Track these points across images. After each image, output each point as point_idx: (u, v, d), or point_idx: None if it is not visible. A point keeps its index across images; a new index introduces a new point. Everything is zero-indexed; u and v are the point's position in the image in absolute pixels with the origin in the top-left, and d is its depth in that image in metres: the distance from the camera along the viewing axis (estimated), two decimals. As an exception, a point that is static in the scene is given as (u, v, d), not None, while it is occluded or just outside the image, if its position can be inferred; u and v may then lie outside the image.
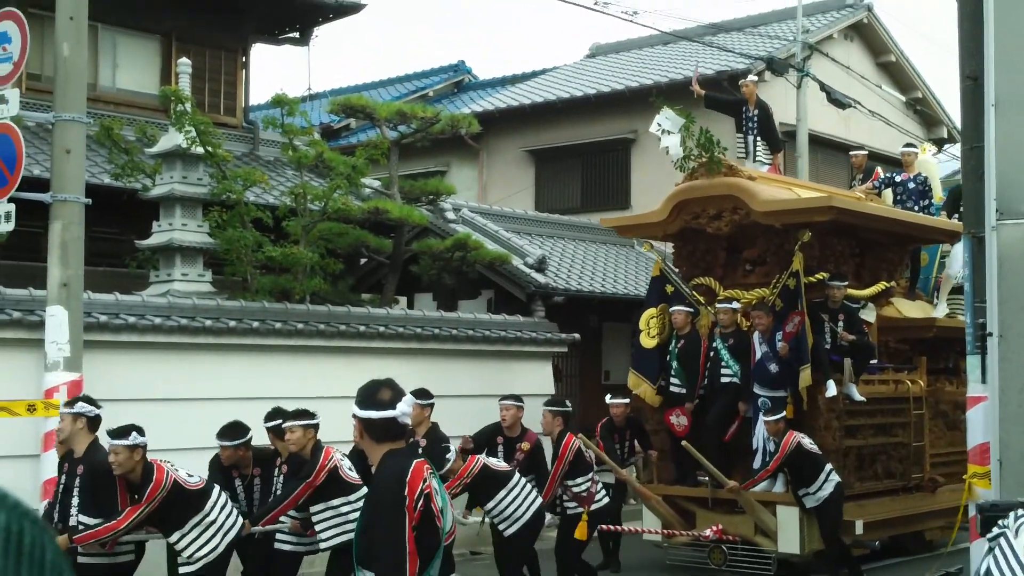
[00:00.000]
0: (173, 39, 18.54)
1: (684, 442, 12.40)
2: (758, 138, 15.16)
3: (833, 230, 13.14)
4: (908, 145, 16.69)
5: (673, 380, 13.13)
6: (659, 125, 13.45)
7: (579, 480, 10.74)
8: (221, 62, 19.20)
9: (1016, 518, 2.59)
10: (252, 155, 18.75)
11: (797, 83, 21.20)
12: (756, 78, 15.61)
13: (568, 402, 11.55)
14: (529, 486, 9.94)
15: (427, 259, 16.67)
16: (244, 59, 19.74)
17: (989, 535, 2.46)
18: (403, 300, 18.58)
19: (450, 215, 18.24)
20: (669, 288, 13.48)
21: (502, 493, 9.69)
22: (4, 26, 10.44)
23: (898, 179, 15.75)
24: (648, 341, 13.40)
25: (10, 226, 10.23)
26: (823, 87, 20.79)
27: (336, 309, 13.61)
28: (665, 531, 12.66)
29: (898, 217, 14.39)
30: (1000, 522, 2.67)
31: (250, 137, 19.15)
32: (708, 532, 12.25)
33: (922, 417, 14.02)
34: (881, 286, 14.06)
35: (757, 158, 15.00)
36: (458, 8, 65.13)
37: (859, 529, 12.35)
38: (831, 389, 12.29)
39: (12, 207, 10.11)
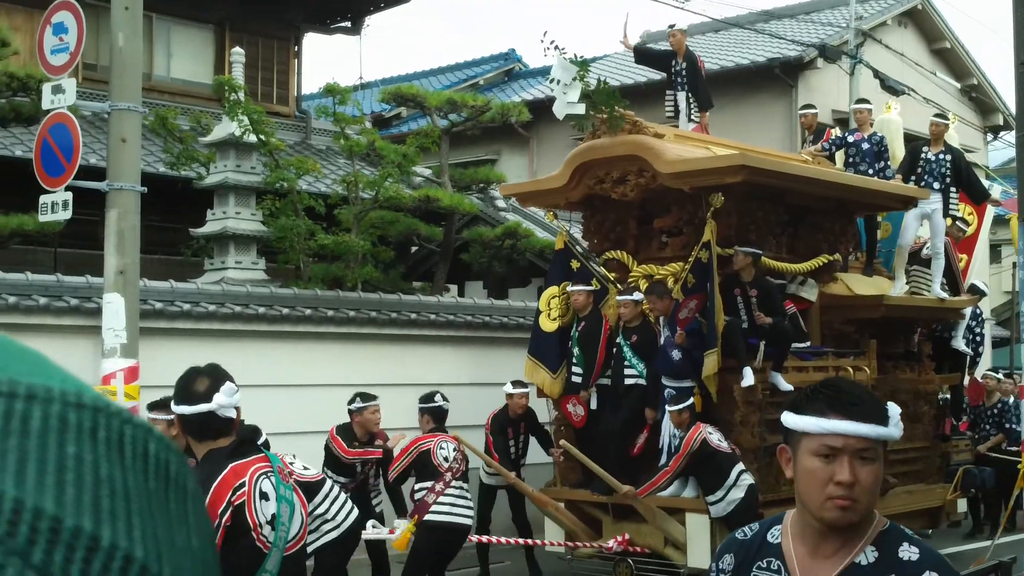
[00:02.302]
0: (226, 29, 18.71)
1: (562, 441, 11.31)
2: (689, 93, 13.63)
3: (754, 194, 11.41)
4: (861, 101, 14.75)
5: (575, 368, 11.61)
6: (552, 77, 11.83)
7: (419, 485, 9.51)
8: (274, 51, 19.35)
9: None
10: (304, 144, 18.89)
11: (850, 70, 21.01)
12: (686, 27, 13.97)
13: (439, 397, 10.09)
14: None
15: (477, 247, 16.73)
16: (296, 48, 19.88)
17: None
18: (454, 288, 18.64)
19: (500, 203, 18.28)
20: (575, 264, 12.04)
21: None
22: (61, 17, 10.58)
23: (851, 139, 13.98)
24: (548, 324, 11.92)
25: (67, 215, 10.37)
26: (876, 74, 20.58)
27: (387, 297, 13.69)
28: (567, 543, 11.19)
29: (834, 180, 12.44)
30: None
31: (302, 126, 19.30)
32: (612, 543, 10.79)
33: None
34: (822, 259, 12.26)
35: (693, 117, 13.51)
36: (509, -4, 65.14)
37: None
38: (747, 378, 10.55)
39: (69, 196, 10.25)
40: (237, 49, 15.84)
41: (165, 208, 14.40)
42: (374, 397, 10.15)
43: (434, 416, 9.52)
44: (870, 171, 13.46)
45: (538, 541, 11.48)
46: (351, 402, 10.19)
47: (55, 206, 10.36)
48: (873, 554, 2.52)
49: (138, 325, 10.47)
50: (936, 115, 14.24)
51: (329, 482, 8.26)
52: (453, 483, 9.11)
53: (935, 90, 23.52)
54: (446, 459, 9.22)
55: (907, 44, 24.10)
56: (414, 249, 18.57)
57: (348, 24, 20.90)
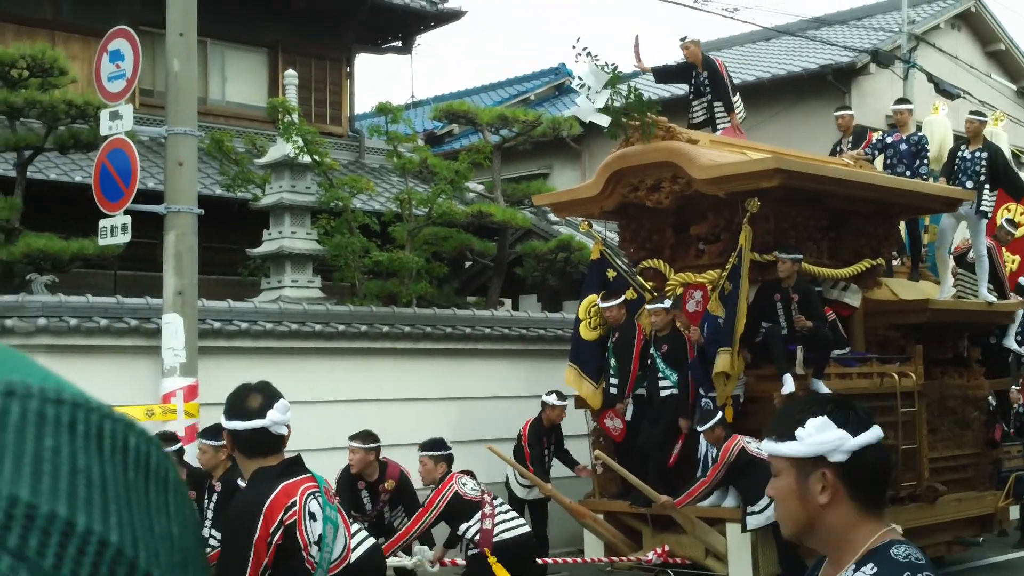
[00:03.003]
0: (279, 51, 18.95)
1: (598, 452, 11.20)
2: (714, 101, 13.44)
3: (792, 199, 11.28)
4: (900, 101, 14.63)
5: (611, 379, 11.58)
6: (580, 81, 11.68)
7: (465, 526, 8.83)
8: (326, 72, 19.56)
9: None
10: (358, 163, 19.08)
11: (903, 75, 20.87)
12: (698, 38, 13.76)
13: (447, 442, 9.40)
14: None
15: (531, 261, 16.78)
16: (348, 69, 20.09)
17: None
18: (508, 302, 18.70)
19: (553, 217, 18.34)
20: (611, 273, 11.97)
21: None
22: (117, 44, 10.80)
23: (889, 140, 13.69)
24: (588, 333, 11.82)
25: (126, 238, 10.57)
26: (931, 78, 20.43)
27: (442, 312, 13.78)
28: (608, 558, 11.05)
29: (872, 182, 12.12)
30: None
31: (356, 145, 19.48)
32: (651, 555, 10.66)
33: (915, 415, 11.95)
34: (864, 264, 12.06)
35: (719, 124, 13.31)
36: (557, 11, 65.23)
37: None
38: (788, 385, 10.33)
39: (128, 219, 10.45)
40: (290, 71, 16.04)
41: (222, 229, 14.60)
42: (357, 437, 9.64)
43: (448, 463, 9.02)
44: (907, 172, 13.24)
45: (578, 559, 11.34)
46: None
47: (114, 230, 10.57)
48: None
49: (197, 344, 10.64)
50: (972, 112, 13.98)
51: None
52: (495, 502, 8.97)
53: (990, 92, 23.30)
54: (475, 489, 8.91)
55: (961, 47, 23.91)
56: (468, 264, 18.66)
57: (399, 44, 21.09)
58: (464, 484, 8.81)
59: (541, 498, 11.69)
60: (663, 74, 14.82)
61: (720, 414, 10.30)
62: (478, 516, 8.68)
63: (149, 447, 0.71)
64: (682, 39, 13.86)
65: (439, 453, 8.96)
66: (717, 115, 13.34)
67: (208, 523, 8.49)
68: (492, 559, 8.55)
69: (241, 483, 8.16)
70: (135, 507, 0.68)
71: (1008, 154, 15.00)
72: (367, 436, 9.31)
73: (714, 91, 13.41)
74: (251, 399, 4.39)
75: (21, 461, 0.64)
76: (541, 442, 11.80)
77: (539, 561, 9.77)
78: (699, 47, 13.67)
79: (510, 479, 11.87)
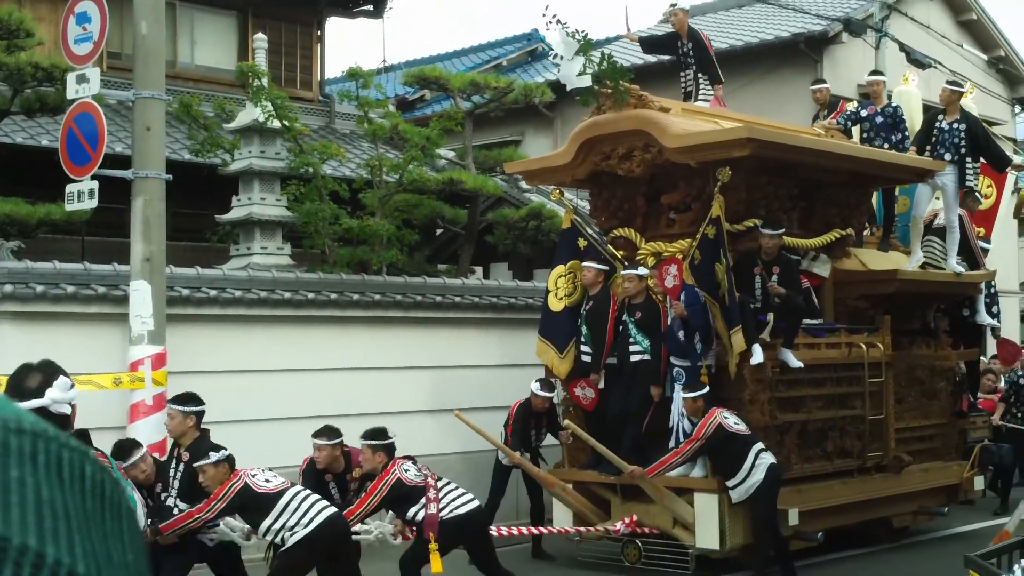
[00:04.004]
0: (249, 15, 18.76)
1: (566, 421, 11.21)
2: (698, 72, 13.35)
3: (763, 169, 11.24)
4: (874, 73, 14.56)
5: (583, 347, 11.55)
6: (553, 51, 11.65)
7: (412, 511, 8.83)
8: (296, 36, 19.38)
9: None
10: (328, 128, 18.94)
11: (875, 44, 20.85)
12: (687, 6, 13.72)
13: (391, 433, 9.15)
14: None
15: (502, 229, 16.73)
16: (319, 33, 19.91)
17: None
18: (479, 270, 18.67)
19: (524, 185, 18.27)
20: (582, 242, 11.87)
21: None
22: (84, 6, 10.63)
23: (864, 113, 13.69)
24: (556, 303, 11.79)
25: (93, 203, 10.45)
26: (902, 47, 20.41)
27: (412, 280, 13.73)
28: (576, 528, 11.13)
29: (843, 152, 12.15)
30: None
31: (326, 111, 19.34)
32: (619, 525, 10.73)
33: (882, 386, 12.01)
34: (834, 234, 12.10)
35: (701, 96, 13.23)
36: (532, -24, 64.87)
37: (794, 519, 10.60)
38: (757, 355, 10.45)
39: (95, 184, 10.32)
40: (260, 35, 15.87)
41: (190, 195, 14.49)
42: (321, 434, 9.39)
43: (388, 452, 8.93)
44: (885, 144, 13.25)
45: (543, 529, 11.39)
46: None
47: (81, 195, 10.45)
48: None
49: (165, 312, 10.55)
50: (948, 82, 13.91)
51: (292, 491, 8.13)
52: (439, 484, 9.03)
53: (962, 62, 23.32)
54: (418, 474, 8.91)
55: (933, 16, 23.88)
56: (439, 232, 18.60)
57: (370, 7, 20.92)
58: (407, 470, 8.86)
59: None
60: (649, 44, 14.78)
61: (706, 387, 10.35)
62: (423, 501, 8.72)
63: (103, 476, 0.72)
64: (672, 5, 13.79)
65: (378, 443, 8.94)
66: (702, 85, 13.28)
67: (174, 492, 8.43)
68: (433, 545, 8.62)
69: (214, 455, 8.15)
70: (95, 536, 0.70)
71: None
72: (331, 432, 9.25)
73: (698, 62, 13.35)
74: (30, 378, 4.20)
75: None
76: (527, 423, 11.74)
77: (492, 532, 9.77)
78: (687, 16, 13.60)
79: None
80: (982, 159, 13.66)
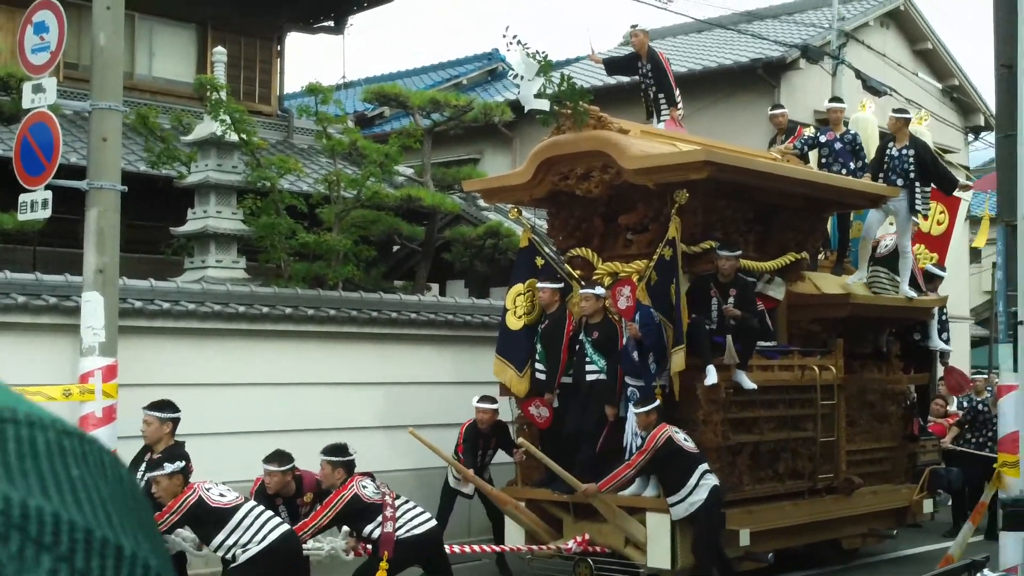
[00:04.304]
0: (209, 28, 18.68)
1: (520, 439, 11.23)
2: (657, 93, 13.42)
3: (721, 191, 11.36)
4: (833, 100, 14.69)
5: (538, 366, 11.57)
6: (513, 71, 11.76)
7: (368, 528, 8.89)
8: (256, 50, 19.33)
9: None
10: (286, 143, 18.88)
11: (832, 71, 21.09)
12: (647, 27, 13.82)
13: (351, 450, 9.26)
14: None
15: (459, 246, 16.73)
16: (279, 47, 19.87)
17: None
18: (435, 287, 18.65)
19: (482, 203, 18.30)
20: (539, 261, 11.91)
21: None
22: (42, 16, 10.56)
23: (823, 139, 13.78)
24: (514, 322, 11.80)
25: (47, 213, 10.35)
26: (859, 75, 20.66)
27: (368, 296, 13.70)
28: (528, 546, 11.10)
29: (800, 177, 12.25)
30: None
31: (284, 125, 19.28)
32: (571, 544, 10.70)
33: (834, 408, 12.13)
34: (789, 258, 12.19)
35: (662, 117, 13.31)
36: (493, -4, 65.17)
37: (745, 539, 10.60)
38: (711, 376, 10.49)
39: (49, 194, 10.23)
40: (219, 48, 15.82)
41: (145, 207, 14.36)
42: (272, 460, 9.33)
43: (347, 469, 8.96)
44: (843, 171, 13.37)
45: (496, 548, 11.39)
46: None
47: (35, 205, 10.35)
48: None
49: (117, 324, 10.46)
50: (895, 110, 14.04)
51: (246, 508, 8.11)
52: (397, 503, 8.99)
53: (917, 91, 23.62)
54: (376, 492, 8.90)
55: (889, 45, 24.19)
56: (396, 248, 18.57)
57: (331, 23, 20.89)
58: (365, 487, 8.85)
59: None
60: (612, 66, 14.88)
61: (657, 401, 10.36)
62: (379, 519, 8.69)
63: (123, 470, 0.78)
64: (632, 26, 13.88)
65: (337, 459, 8.97)
66: (662, 107, 13.35)
67: None
68: (384, 564, 8.60)
69: (168, 466, 8.09)
70: (148, 530, 0.76)
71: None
72: (282, 457, 9.21)
73: (657, 83, 13.42)
74: None
75: (62, 488, 0.70)
76: (476, 443, 11.76)
77: (447, 550, 9.75)
78: (647, 37, 13.70)
79: (450, 473, 11.84)
80: (932, 184, 13.83)
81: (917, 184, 13.35)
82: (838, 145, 13.66)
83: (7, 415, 0.70)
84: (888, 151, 13.53)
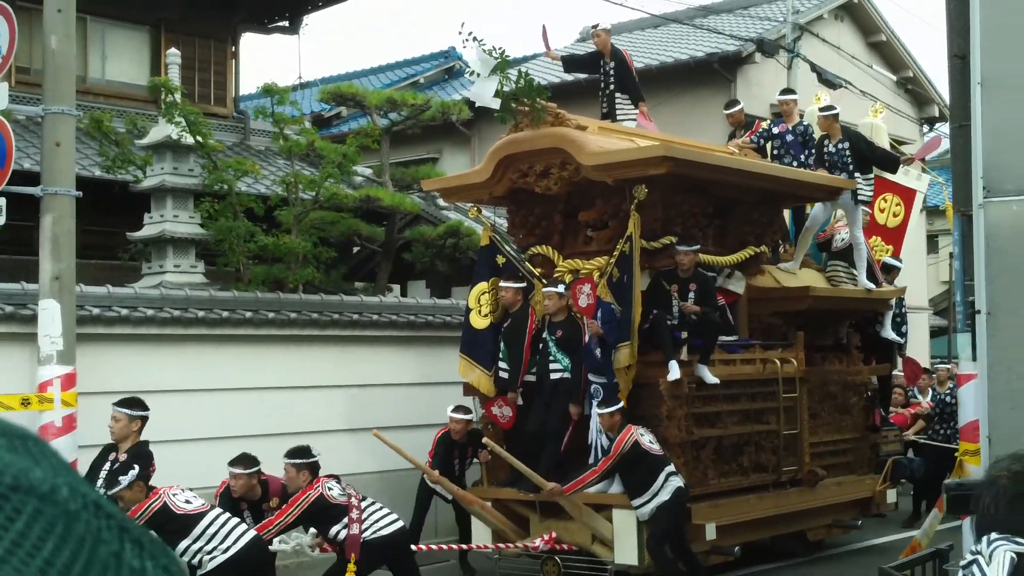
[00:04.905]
0: (162, 30, 18.51)
1: (485, 439, 11.21)
2: (616, 92, 13.34)
3: (679, 187, 11.37)
4: (785, 92, 14.64)
5: (502, 364, 11.54)
6: (470, 68, 11.72)
7: (334, 530, 8.84)
8: (211, 52, 19.17)
9: (989, 543, 2.42)
10: (243, 145, 18.75)
11: (787, 64, 21.20)
12: (609, 26, 13.76)
13: (315, 451, 9.18)
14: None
15: (420, 246, 16.68)
16: (234, 49, 19.72)
17: (963, 562, 2.28)
18: (396, 288, 18.59)
19: (442, 202, 18.25)
20: (500, 259, 11.89)
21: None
22: (-9, 20, 10.41)
23: (776, 131, 13.73)
24: (479, 321, 11.76)
25: (1, 220, 10.21)
26: (814, 68, 20.79)
27: (329, 298, 13.63)
28: (495, 545, 11.15)
29: (758, 171, 12.26)
30: (973, 548, 2.50)
31: (241, 127, 19.14)
32: (538, 542, 10.73)
33: (797, 401, 12.19)
34: (748, 252, 12.20)
35: (619, 115, 13.18)
36: (449, -6, 65.08)
37: (711, 533, 10.62)
38: (673, 372, 10.55)
39: (3, 201, 10.09)
40: (173, 50, 15.68)
41: (101, 212, 14.23)
42: (238, 463, 9.33)
43: (311, 471, 8.89)
44: (795, 163, 13.41)
45: (464, 545, 11.42)
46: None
47: (-12, 212, 10.20)
48: None
49: (75, 331, 10.34)
50: (821, 109, 14.04)
51: (212, 515, 8.07)
52: (363, 505, 8.95)
53: (872, 83, 23.78)
54: (342, 493, 8.85)
55: (844, 37, 24.33)
56: (356, 249, 18.48)
57: (286, 23, 20.75)
58: (330, 489, 8.81)
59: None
60: (571, 63, 14.82)
61: (621, 403, 10.37)
62: (345, 520, 8.64)
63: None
64: (593, 26, 13.84)
65: (301, 461, 8.92)
66: (618, 107, 13.30)
67: (101, 489, 8.29)
68: (352, 566, 8.58)
69: (123, 479, 8.01)
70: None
71: (887, 144, 15.32)
72: (248, 460, 9.16)
73: (619, 82, 13.36)
74: None
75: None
76: (451, 453, 11.72)
77: (414, 548, 9.71)
78: (609, 35, 13.66)
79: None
80: (875, 172, 13.94)
81: (859, 175, 13.46)
82: (789, 137, 13.70)
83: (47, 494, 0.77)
84: (825, 148, 13.63)
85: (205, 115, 15.37)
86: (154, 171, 14.32)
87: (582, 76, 16.14)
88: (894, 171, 15.05)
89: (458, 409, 11.78)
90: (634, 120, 13.19)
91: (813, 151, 13.67)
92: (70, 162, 10.61)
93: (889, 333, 14.26)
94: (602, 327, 10.68)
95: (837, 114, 13.82)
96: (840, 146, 13.53)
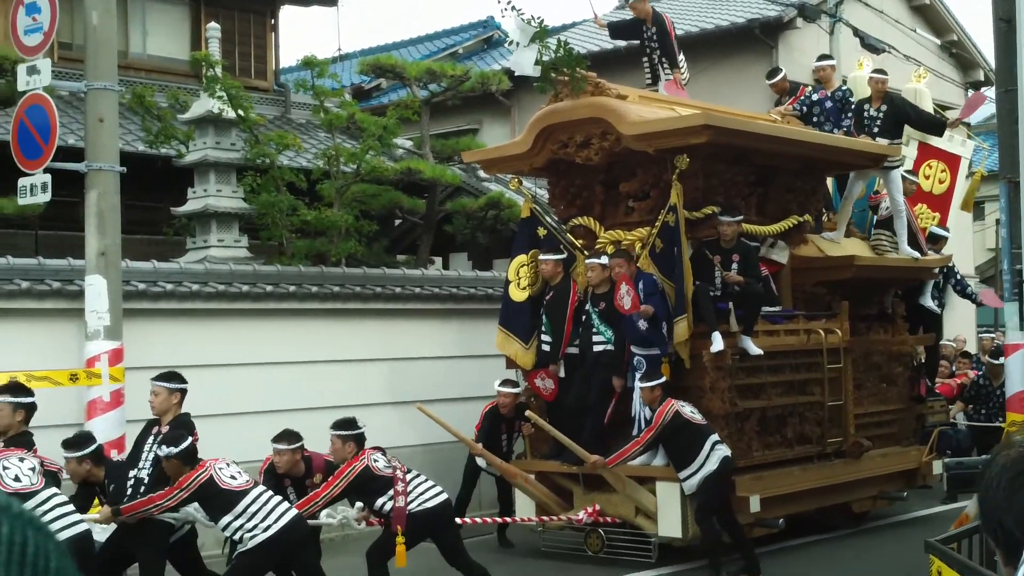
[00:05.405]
0: (202, 4, 18.54)
1: (528, 412, 11.08)
2: (660, 57, 13.17)
3: (720, 156, 11.26)
4: (823, 58, 14.26)
5: (544, 337, 11.49)
6: (509, 38, 11.66)
7: (380, 502, 8.78)
8: (250, 25, 19.19)
9: None
10: (284, 118, 18.78)
11: (830, 29, 20.96)
12: None
13: (360, 423, 9.07)
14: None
15: (461, 218, 16.68)
16: (273, 22, 19.73)
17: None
18: (438, 260, 18.60)
19: (483, 174, 18.21)
20: (541, 231, 11.87)
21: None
22: (34, -3, 10.47)
23: (815, 97, 13.53)
24: (518, 293, 11.74)
25: (46, 196, 10.31)
26: (856, 32, 20.50)
27: (371, 271, 13.66)
28: (538, 518, 11.12)
29: (800, 138, 12.09)
30: None
31: (281, 100, 19.17)
32: (582, 515, 10.73)
33: (841, 372, 12.06)
34: (791, 221, 12.06)
35: (661, 79, 13.10)
36: (486, -38, 64.73)
37: (755, 506, 10.56)
38: (717, 343, 10.48)
39: (48, 177, 10.18)
40: (213, 24, 15.71)
41: (145, 187, 14.31)
42: (281, 439, 9.23)
43: (358, 442, 8.85)
44: (834, 129, 13.21)
45: (508, 519, 11.42)
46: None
47: (34, 189, 10.31)
48: None
49: (121, 306, 10.44)
50: (875, 70, 13.91)
51: (255, 492, 8.06)
52: (408, 477, 8.96)
53: (915, 47, 23.48)
54: (388, 465, 8.84)
55: (887, 1, 24.00)
56: (397, 222, 18.51)
57: (324, -5, 20.75)
58: (376, 460, 8.82)
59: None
60: (616, 30, 14.68)
61: (663, 377, 10.33)
62: (391, 492, 8.67)
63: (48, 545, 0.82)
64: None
65: (347, 432, 8.90)
66: (664, 71, 13.17)
67: (147, 467, 8.37)
68: (400, 539, 8.59)
69: (173, 448, 8.08)
70: None
71: (930, 108, 15.12)
72: (291, 436, 9.17)
73: (661, 46, 13.24)
74: None
75: None
76: (499, 428, 11.72)
77: (459, 521, 9.75)
78: (647, 1, 13.49)
79: None
80: (919, 137, 13.80)
81: (899, 140, 13.38)
82: (828, 104, 13.50)
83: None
84: (866, 112, 13.50)
85: (246, 89, 15.39)
86: (196, 146, 14.38)
87: (623, 44, 16.02)
88: (940, 134, 14.86)
89: (506, 383, 11.77)
90: (665, 82, 13.05)
91: (850, 116, 13.48)
92: (114, 138, 10.69)
93: (928, 301, 14.12)
94: (646, 298, 10.63)
95: (886, 78, 13.69)
96: (883, 109, 13.39)
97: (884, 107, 13.45)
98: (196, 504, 8.27)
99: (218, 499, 7.98)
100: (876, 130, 13.36)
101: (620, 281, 10.77)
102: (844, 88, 13.79)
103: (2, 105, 13.63)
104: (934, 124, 14.40)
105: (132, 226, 13.40)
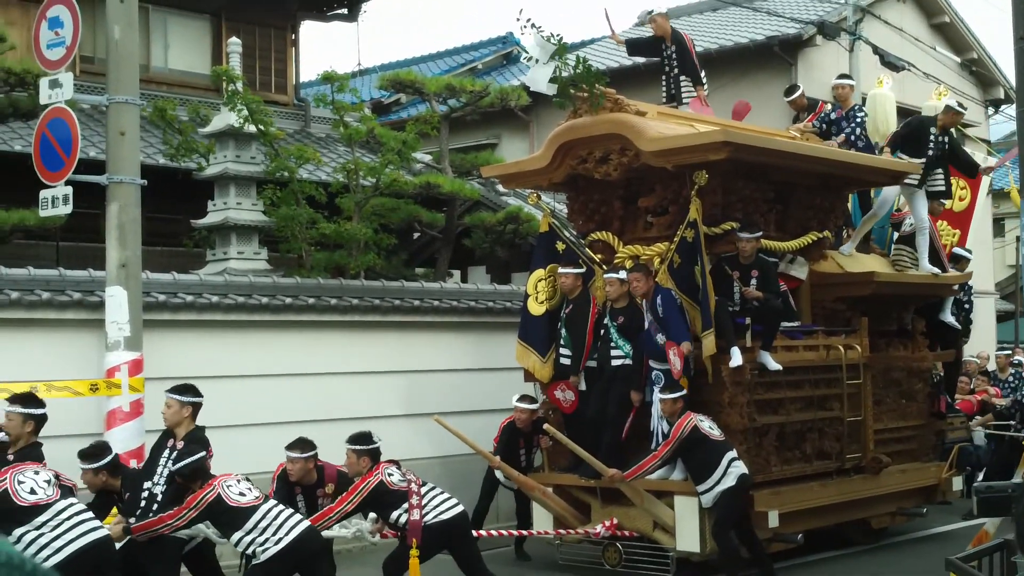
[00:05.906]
0: (223, 18, 18.67)
1: (546, 425, 11.02)
2: (680, 75, 13.21)
3: (739, 172, 11.25)
4: (841, 77, 14.45)
5: (563, 350, 11.51)
6: (527, 54, 11.74)
7: (395, 515, 8.75)
8: (271, 40, 19.31)
9: None
10: (304, 132, 18.88)
11: (849, 47, 20.95)
12: (663, 9, 13.62)
13: (376, 438, 9.06)
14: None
15: (479, 232, 16.71)
16: (293, 37, 19.85)
17: None
18: (457, 274, 18.63)
19: (501, 188, 18.25)
20: (560, 245, 11.88)
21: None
22: (56, 11, 10.55)
23: (833, 116, 13.70)
24: (536, 307, 11.79)
25: (68, 209, 10.36)
26: (876, 50, 20.51)
27: (390, 284, 13.69)
28: (556, 531, 11.12)
29: (819, 155, 12.10)
30: None
31: (301, 114, 19.27)
32: (599, 528, 10.73)
33: (860, 387, 12.03)
34: (811, 237, 12.06)
35: (684, 98, 13.09)
36: (506, -21, 64.93)
37: (774, 521, 10.54)
38: (736, 358, 10.48)
39: (69, 190, 10.23)
40: (234, 39, 15.81)
41: (166, 200, 14.39)
42: (294, 447, 9.22)
43: (372, 457, 8.86)
44: (847, 147, 13.15)
45: (525, 532, 11.40)
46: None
47: (55, 201, 10.36)
48: None
49: (141, 318, 10.47)
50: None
51: (265, 507, 8.01)
52: (423, 491, 8.94)
53: (935, 65, 23.46)
54: (402, 479, 8.83)
55: (906, 19, 24.00)
56: (416, 236, 18.56)
57: (345, 10, 20.87)
58: (391, 475, 8.81)
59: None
60: (635, 47, 14.70)
61: (685, 390, 10.31)
62: (406, 505, 8.67)
63: None
64: (648, 12, 13.70)
65: (362, 447, 8.91)
66: (683, 89, 13.18)
67: (161, 482, 8.35)
68: (414, 552, 8.55)
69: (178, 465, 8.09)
70: None
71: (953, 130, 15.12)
72: (304, 445, 9.16)
73: (681, 65, 13.24)
74: None
75: None
76: (516, 443, 11.76)
77: (475, 534, 9.73)
78: (667, 20, 13.51)
79: None
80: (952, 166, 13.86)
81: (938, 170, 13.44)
82: (844, 124, 13.53)
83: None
84: (932, 136, 13.44)
85: (266, 103, 15.49)
86: (217, 159, 14.46)
87: (642, 60, 16.03)
88: (972, 176, 14.98)
89: (523, 399, 11.80)
90: (687, 103, 13.05)
91: (854, 126, 13.50)
92: (135, 150, 10.74)
93: (948, 317, 14.08)
94: (664, 313, 10.63)
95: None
96: (851, 114, 13.55)
97: (945, 137, 13.53)
98: (204, 528, 8.27)
99: (227, 516, 7.96)
100: (938, 154, 13.34)
101: (668, 347, 10.64)
102: (862, 113, 13.77)
103: (25, 118, 13.72)
104: (970, 166, 14.48)
105: (152, 238, 13.48)
